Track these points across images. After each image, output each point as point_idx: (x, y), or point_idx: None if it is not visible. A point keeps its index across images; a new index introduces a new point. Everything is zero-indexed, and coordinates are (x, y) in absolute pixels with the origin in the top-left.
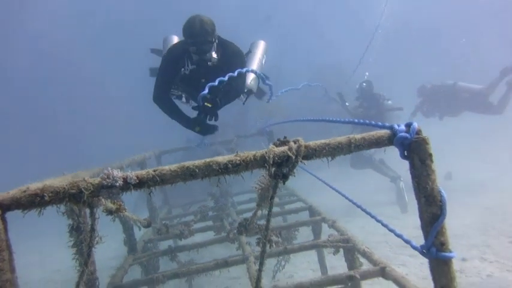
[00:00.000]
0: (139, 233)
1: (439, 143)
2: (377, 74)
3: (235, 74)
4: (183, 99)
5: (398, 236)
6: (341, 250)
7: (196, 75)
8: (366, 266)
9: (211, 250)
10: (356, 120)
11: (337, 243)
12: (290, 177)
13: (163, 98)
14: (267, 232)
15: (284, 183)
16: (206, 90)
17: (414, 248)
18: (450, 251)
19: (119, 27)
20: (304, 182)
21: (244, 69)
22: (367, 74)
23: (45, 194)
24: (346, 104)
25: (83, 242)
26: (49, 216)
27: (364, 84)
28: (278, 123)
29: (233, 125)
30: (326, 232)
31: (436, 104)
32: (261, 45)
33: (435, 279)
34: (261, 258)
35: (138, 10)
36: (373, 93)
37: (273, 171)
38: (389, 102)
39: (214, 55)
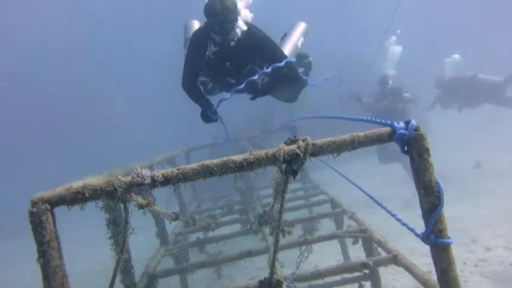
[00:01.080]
0: (171, 227)
1: (468, 132)
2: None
3: (270, 69)
4: (210, 86)
5: (404, 224)
6: (360, 240)
7: (220, 58)
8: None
9: (239, 243)
10: (364, 118)
11: (355, 233)
12: (315, 171)
13: (190, 84)
14: (280, 223)
15: (294, 179)
16: (242, 86)
17: (416, 235)
18: (448, 237)
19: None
20: (331, 176)
21: (282, 63)
22: (398, 31)
23: (85, 192)
24: (363, 100)
25: (119, 233)
26: (87, 212)
27: (390, 81)
28: (300, 119)
29: (260, 119)
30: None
31: (455, 95)
32: (300, 27)
33: (435, 263)
34: (275, 247)
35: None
36: (394, 87)
37: (283, 168)
38: (407, 94)
39: (238, 34)
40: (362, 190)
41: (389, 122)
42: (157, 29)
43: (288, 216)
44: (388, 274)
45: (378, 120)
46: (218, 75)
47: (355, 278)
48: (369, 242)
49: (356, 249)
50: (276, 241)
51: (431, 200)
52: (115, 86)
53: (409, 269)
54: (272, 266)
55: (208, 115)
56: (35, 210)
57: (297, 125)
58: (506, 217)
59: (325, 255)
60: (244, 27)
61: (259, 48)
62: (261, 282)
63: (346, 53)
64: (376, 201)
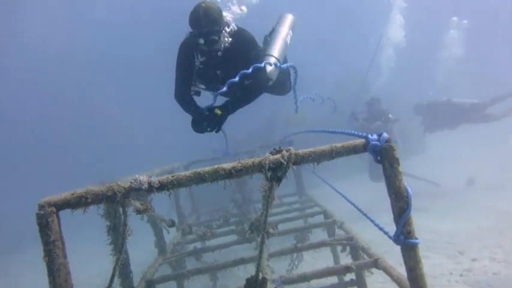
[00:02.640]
0: (169, 237)
1: (461, 148)
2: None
3: (250, 70)
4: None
5: (380, 228)
6: (348, 248)
7: (210, 67)
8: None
9: (235, 252)
10: (345, 131)
11: (342, 241)
12: (314, 187)
13: (183, 95)
14: (265, 225)
15: (278, 185)
16: (224, 89)
17: (389, 237)
18: (416, 238)
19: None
20: (329, 191)
21: (262, 63)
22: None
23: (88, 196)
24: (360, 120)
25: (119, 236)
26: (87, 226)
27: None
28: (293, 134)
29: (260, 134)
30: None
31: (434, 119)
32: (287, 21)
33: (405, 261)
34: (260, 247)
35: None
36: (381, 109)
37: (269, 175)
38: (390, 116)
39: (225, 42)
40: (348, 201)
41: (364, 134)
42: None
43: (282, 227)
44: (378, 283)
45: (356, 133)
46: (210, 83)
47: (342, 284)
48: (355, 249)
49: (349, 259)
50: (262, 242)
51: (400, 204)
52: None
53: (387, 270)
54: (258, 265)
55: (201, 123)
56: (42, 212)
57: (293, 140)
58: (494, 230)
59: (318, 266)
60: (230, 39)
61: (246, 55)
62: (247, 280)
63: (346, 69)
64: (358, 209)
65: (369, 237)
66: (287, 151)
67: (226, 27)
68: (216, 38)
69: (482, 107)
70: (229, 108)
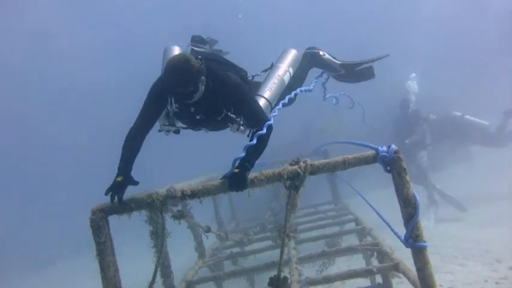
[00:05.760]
0: (208, 242)
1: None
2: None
3: (254, 141)
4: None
5: (395, 233)
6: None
7: (187, 112)
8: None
9: (271, 258)
10: (357, 142)
11: (367, 246)
12: (351, 196)
13: (135, 138)
14: (285, 229)
15: (297, 193)
16: (242, 154)
17: (400, 239)
18: (424, 242)
19: None
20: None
21: (264, 130)
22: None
23: (132, 203)
24: (407, 142)
25: (158, 237)
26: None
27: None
28: (325, 145)
29: (296, 143)
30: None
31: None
32: (289, 57)
33: (414, 262)
34: (281, 247)
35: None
36: (416, 110)
37: (287, 184)
38: (432, 116)
39: (201, 92)
40: (371, 206)
41: (374, 145)
42: None
43: (316, 233)
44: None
45: (368, 144)
46: (191, 124)
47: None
48: (381, 254)
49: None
50: (282, 244)
51: (408, 210)
52: None
53: (405, 273)
54: (279, 265)
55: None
56: (94, 217)
57: (328, 149)
58: None
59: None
60: (205, 84)
61: (229, 101)
62: (271, 278)
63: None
64: (379, 214)
65: (395, 242)
66: (304, 162)
67: (203, 77)
68: (190, 99)
69: (501, 130)
70: (247, 166)
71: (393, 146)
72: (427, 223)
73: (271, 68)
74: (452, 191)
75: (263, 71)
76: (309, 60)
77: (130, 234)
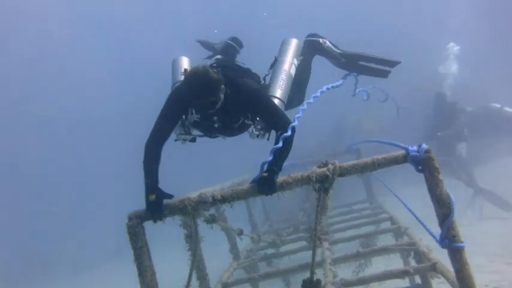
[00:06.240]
0: (242, 244)
1: None
2: None
3: (280, 144)
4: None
5: (430, 233)
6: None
7: (206, 122)
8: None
9: (305, 259)
10: (387, 141)
11: (403, 246)
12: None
13: (154, 149)
14: (316, 231)
15: (327, 195)
16: (270, 158)
17: (435, 239)
18: (461, 242)
19: None
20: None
21: (289, 132)
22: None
23: (165, 209)
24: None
25: (192, 240)
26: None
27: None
28: (356, 144)
29: (329, 142)
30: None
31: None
32: (291, 48)
33: (452, 263)
34: (313, 249)
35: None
36: (452, 102)
37: (316, 187)
38: (469, 108)
39: (221, 100)
40: (405, 205)
41: (404, 145)
42: None
43: (350, 233)
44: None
45: (397, 143)
46: (208, 132)
47: None
48: (418, 253)
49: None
50: (314, 247)
51: (443, 210)
52: None
53: (444, 274)
54: (312, 267)
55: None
56: (131, 223)
57: (361, 148)
58: None
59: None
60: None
61: (248, 108)
62: (304, 281)
63: None
64: (413, 213)
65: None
66: (332, 164)
67: (222, 85)
68: (212, 109)
69: None
70: (275, 169)
71: (424, 145)
72: (472, 214)
73: (275, 62)
74: (495, 188)
75: (270, 69)
76: (311, 49)
77: (167, 237)
